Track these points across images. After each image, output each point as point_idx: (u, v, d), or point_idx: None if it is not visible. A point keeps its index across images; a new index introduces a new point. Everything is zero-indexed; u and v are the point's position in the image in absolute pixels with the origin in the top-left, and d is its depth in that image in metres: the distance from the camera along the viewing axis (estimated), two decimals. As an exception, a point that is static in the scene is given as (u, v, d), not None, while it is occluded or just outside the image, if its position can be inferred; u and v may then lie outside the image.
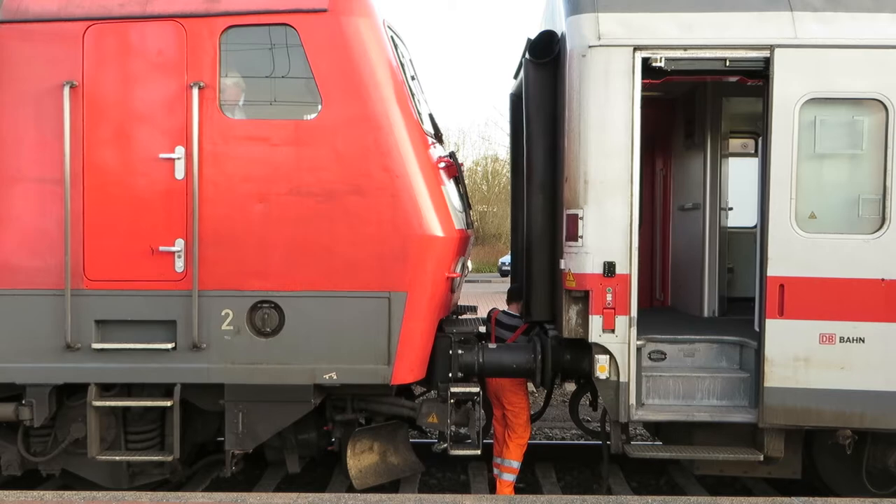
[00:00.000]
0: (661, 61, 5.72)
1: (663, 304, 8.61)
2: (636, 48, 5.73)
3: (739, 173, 8.34)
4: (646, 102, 6.04)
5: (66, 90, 5.70)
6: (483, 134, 57.75)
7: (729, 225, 8.16)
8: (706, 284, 7.63)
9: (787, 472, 6.31)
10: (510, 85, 7.86)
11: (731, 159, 8.19)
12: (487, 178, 40.29)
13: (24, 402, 5.90)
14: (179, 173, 5.75)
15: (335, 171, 5.72)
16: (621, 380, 5.88)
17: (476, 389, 6.07)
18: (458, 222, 6.16)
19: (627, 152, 5.80)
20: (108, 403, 5.91)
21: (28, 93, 5.78)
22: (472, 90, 59.32)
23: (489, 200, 38.27)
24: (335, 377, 5.83)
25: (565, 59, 6.00)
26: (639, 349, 6.01)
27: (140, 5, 5.77)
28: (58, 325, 5.77)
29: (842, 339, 5.67)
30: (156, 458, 6.03)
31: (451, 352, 6.16)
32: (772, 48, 5.64)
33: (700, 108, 7.73)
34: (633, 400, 5.92)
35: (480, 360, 6.25)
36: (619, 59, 5.74)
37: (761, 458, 5.93)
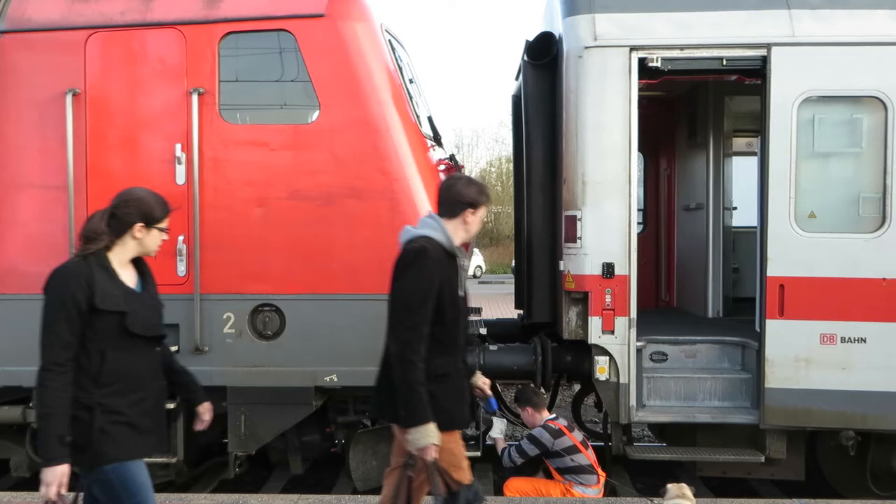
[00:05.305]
0: (657, 61, 5.71)
1: (669, 305, 8.58)
2: (632, 48, 5.72)
3: (746, 172, 8.30)
4: (650, 102, 6.05)
5: (69, 97, 5.78)
6: (497, 136, 57.59)
7: (734, 225, 8.12)
8: (710, 285, 7.60)
9: (789, 473, 6.28)
10: (513, 87, 7.87)
11: (737, 158, 8.15)
12: (502, 178, 40.21)
13: (31, 405, 5.99)
14: (180, 178, 5.81)
15: (333, 174, 5.75)
16: (621, 381, 5.87)
17: (476, 392, 6.07)
18: (458, 225, 6.16)
19: (625, 153, 5.79)
20: (112, 406, 5.98)
21: (32, 100, 5.88)
22: (485, 92, 59.32)
23: (503, 201, 38.18)
24: (336, 379, 5.86)
25: (563, 61, 6.00)
26: (639, 350, 6.00)
27: (140, 13, 5.85)
28: (63, 329, 5.85)
29: (843, 340, 5.63)
30: (160, 459, 6.09)
31: (451, 353, 6.17)
32: (769, 47, 5.61)
33: (702, 106, 7.70)
34: (633, 401, 5.91)
35: (481, 361, 6.26)
36: (616, 59, 5.74)
37: (762, 459, 5.90)
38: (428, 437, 3.49)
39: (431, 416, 3.52)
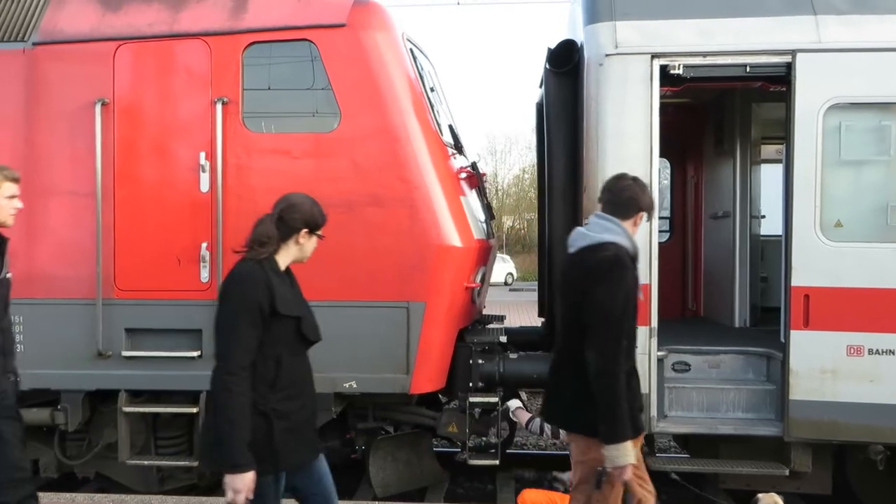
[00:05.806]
0: (679, 69, 5.64)
1: (696, 314, 8.46)
2: (654, 56, 5.67)
3: (775, 180, 8.16)
4: (676, 109, 5.98)
5: (98, 107, 5.92)
6: (530, 143, 57.52)
7: (763, 233, 7.98)
8: (737, 294, 7.48)
9: (815, 487, 6.13)
10: (537, 94, 7.86)
11: (766, 166, 8.02)
12: (534, 185, 40.14)
13: (59, 407, 6.13)
14: (204, 186, 5.91)
15: (354, 182, 5.79)
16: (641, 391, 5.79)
17: (495, 400, 6.07)
18: (478, 232, 6.17)
19: (646, 161, 5.73)
20: (136, 409, 6.09)
21: (63, 110, 6.02)
22: (518, 99, 59.26)
23: (536, 208, 38.08)
24: (355, 386, 5.89)
25: (584, 68, 5.97)
26: (661, 360, 5.92)
27: (167, 24, 5.97)
28: (90, 333, 5.98)
29: (871, 351, 5.49)
30: (183, 463, 6.18)
31: (471, 361, 6.18)
32: (794, 53, 5.52)
33: (729, 113, 7.60)
34: (654, 412, 5.83)
35: (501, 369, 6.24)
36: (637, 67, 5.69)
37: (787, 472, 5.78)
38: (627, 455, 3.40)
39: (632, 433, 3.43)
